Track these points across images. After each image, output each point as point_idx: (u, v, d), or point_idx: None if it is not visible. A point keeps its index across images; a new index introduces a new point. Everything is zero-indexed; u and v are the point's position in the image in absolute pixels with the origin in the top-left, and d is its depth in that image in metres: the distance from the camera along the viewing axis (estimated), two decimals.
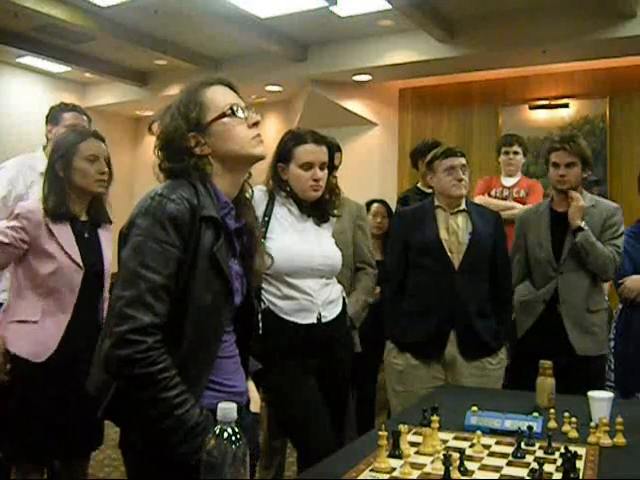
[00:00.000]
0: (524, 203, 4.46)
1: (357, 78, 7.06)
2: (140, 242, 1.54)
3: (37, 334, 2.53)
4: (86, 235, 2.66)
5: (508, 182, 4.62)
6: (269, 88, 7.55)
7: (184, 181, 1.63)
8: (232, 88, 1.75)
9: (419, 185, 4.34)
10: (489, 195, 4.58)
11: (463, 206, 3.10)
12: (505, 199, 4.53)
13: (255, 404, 1.83)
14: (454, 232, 3.03)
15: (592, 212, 3.31)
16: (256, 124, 1.71)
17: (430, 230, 3.03)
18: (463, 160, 3.06)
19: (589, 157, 3.34)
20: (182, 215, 1.56)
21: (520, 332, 3.40)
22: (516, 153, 4.63)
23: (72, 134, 2.72)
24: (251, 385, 1.86)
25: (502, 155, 4.66)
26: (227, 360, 1.69)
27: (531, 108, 6.92)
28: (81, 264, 2.57)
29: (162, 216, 1.54)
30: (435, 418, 1.88)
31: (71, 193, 2.62)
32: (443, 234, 3.03)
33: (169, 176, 1.67)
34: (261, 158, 1.72)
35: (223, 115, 1.67)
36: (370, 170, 7.40)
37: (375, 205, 4.55)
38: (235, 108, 1.68)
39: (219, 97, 1.69)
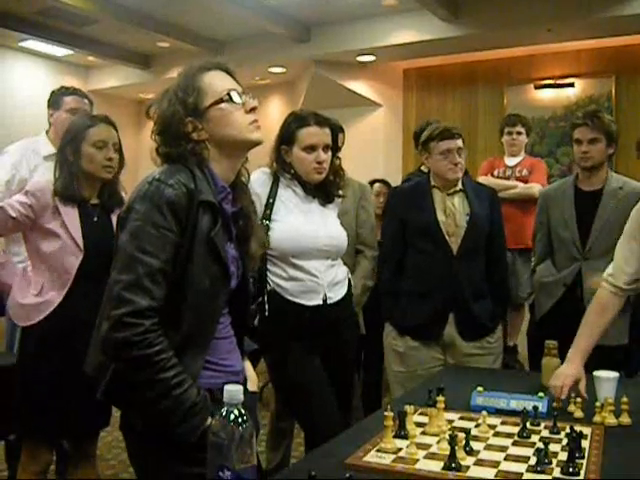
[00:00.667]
0: (526, 182, 4.45)
1: (361, 59, 7.02)
2: (138, 227, 1.55)
3: (28, 306, 2.60)
4: (95, 219, 2.68)
5: (511, 162, 4.60)
6: (272, 70, 7.51)
7: (181, 166, 1.64)
8: (230, 73, 1.75)
9: (423, 168, 4.32)
10: (492, 175, 4.57)
11: (459, 186, 3.06)
12: (508, 178, 4.52)
13: (252, 383, 1.87)
14: (451, 214, 3.00)
15: (619, 194, 3.19)
16: (253, 109, 1.71)
17: (427, 211, 3.00)
18: (460, 142, 3.00)
19: (614, 132, 3.22)
20: (180, 200, 1.57)
21: (539, 314, 3.38)
22: (519, 133, 4.62)
23: (82, 119, 2.75)
24: (248, 365, 1.88)
25: (505, 135, 4.65)
26: (223, 341, 1.72)
27: (536, 88, 6.86)
28: (82, 247, 2.59)
29: (160, 201, 1.56)
30: (441, 398, 1.89)
31: (80, 177, 2.64)
32: (440, 216, 2.99)
33: (166, 161, 1.68)
34: (258, 143, 1.73)
35: (220, 101, 1.67)
36: (374, 151, 7.37)
37: (377, 185, 4.55)
38: (232, 94, 1.69)
39: (217, 82, 1.69)
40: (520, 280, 4.22)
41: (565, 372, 2.20)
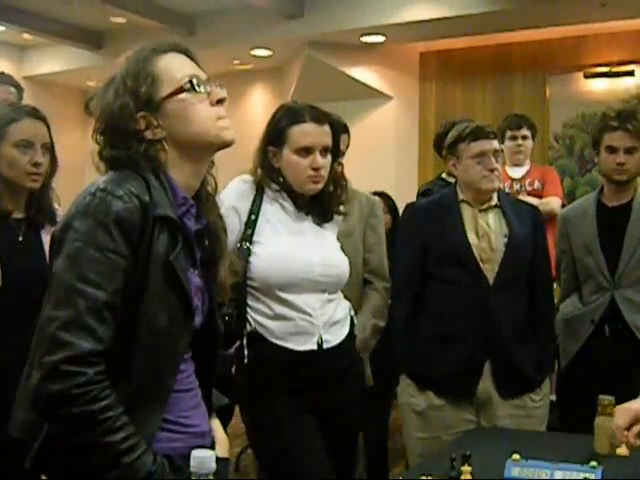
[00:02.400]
0: (540, 196, 4.49)
1: (366, 39, 7.07)
2: (78, 249, 1.56)
3: None
4: (20, 238, 2.67)
5: (516, 173, 4.67)
6: (256, 52, 7.55)
7: (132, 173, 1.65)
8: (190, 57, 1.77)
9: (444, 176, 4.35)
10: None
11: (495, 201, 3.07)
12: (517, 194, 4.55)
13: (222, 447, 1.87)
14: (485, 235, 3.01)
15: None
16: (221, 101, 1.73)
17: (454, 232, 3.01)
18: (496, 143, 3.02)
19: None
20: (130, 215, 1.58)
21: (564, 360, 3.41)
22: (525, 138, 4.70)
23: (3, 111, 2.73)
24: (216, 424, 1.89)
25: (507, 141, 4.72)
26: (185, 394, 1.73)
27: (587, 77, 6.93)
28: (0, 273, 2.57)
29: (106, 217, 1.57)
30: (467, 469, 1.89)
31: (1, 185, 2.63)
32: (472, 237, 3.00)
33: (113, 166, 1.69)
34: (229, 144, 1.75)
35: (180, 90, 1.69)
36: (384, 155, 7.41)
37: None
38: (195, 81, 1.70)
39: (175, 67, 1.72)
40: None
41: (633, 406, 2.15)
